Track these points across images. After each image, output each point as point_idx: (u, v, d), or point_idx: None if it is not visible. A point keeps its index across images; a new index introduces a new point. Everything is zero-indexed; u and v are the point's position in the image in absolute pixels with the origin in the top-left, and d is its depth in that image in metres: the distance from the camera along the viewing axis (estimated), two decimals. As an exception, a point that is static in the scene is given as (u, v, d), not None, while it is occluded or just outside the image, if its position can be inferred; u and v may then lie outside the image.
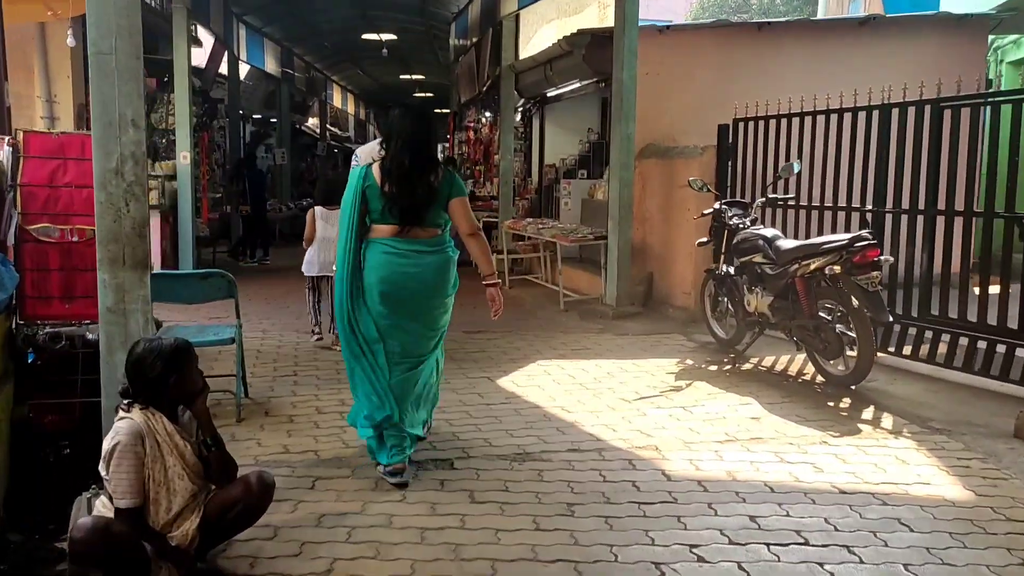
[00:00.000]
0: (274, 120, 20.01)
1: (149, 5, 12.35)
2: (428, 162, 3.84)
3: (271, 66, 17.94)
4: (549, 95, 11.22)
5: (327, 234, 6.70)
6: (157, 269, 10.44)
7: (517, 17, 11.37)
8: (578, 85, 9.98)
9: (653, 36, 8.85)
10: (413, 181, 3.76)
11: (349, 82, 27.02)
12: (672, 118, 9.03)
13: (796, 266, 5.84)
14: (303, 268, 7.27)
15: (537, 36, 10.56)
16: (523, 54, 11.03)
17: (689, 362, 6.61)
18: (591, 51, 8.76)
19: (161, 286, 4.63)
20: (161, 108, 11.11)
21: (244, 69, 17.17)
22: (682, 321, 8.09)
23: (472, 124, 14.61)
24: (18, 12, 9.74)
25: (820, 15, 15.06)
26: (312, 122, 24.67)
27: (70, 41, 7.62)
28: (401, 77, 26.73)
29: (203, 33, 13.20)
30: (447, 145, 17.35)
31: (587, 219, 10.48)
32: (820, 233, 6.86)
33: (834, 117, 6.79)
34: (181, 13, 10.64)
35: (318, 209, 7.09)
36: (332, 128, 27.43)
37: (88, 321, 4.75)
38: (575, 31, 8.86)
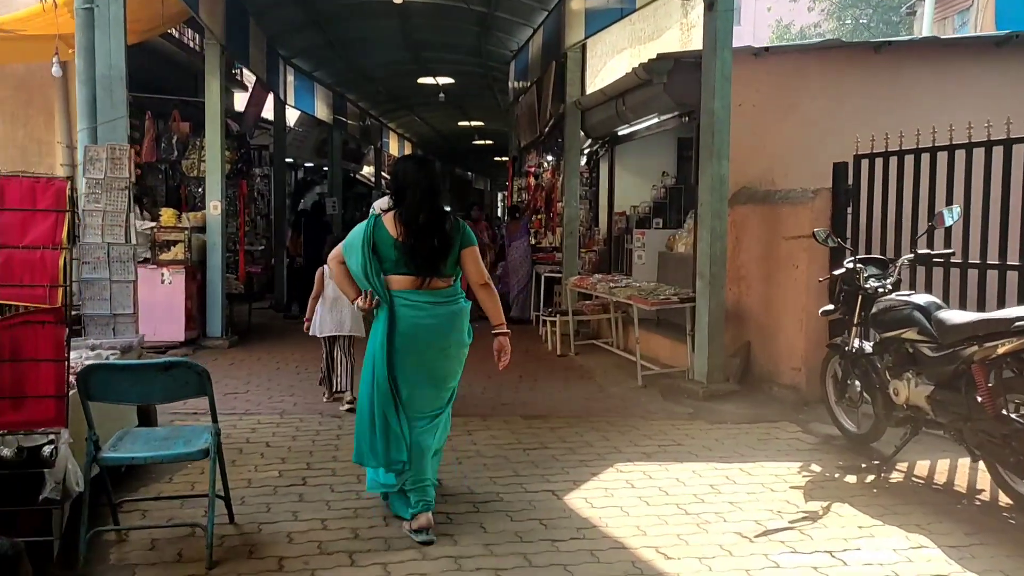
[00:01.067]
0: (326, 168, 19.15)
1: (187, 45, 11.53)
2: (441, 213, 3.87)
3: (322, 112, 17.10)
4: (620, 134, 9.88)
5: (338, 293, 6.14)
6: (179, 332, 9.37)
7: (583, 48, 10.13)
8: (655, 121, 8.62)
9: (747, 61, 7.46)
10: (431, 232, 3.79)
11: (406, 129, 26.27)
12: (771, 156, 7.58)
13: (973, 348, 4.29)
14: (314, 330, 6.48)
15: (606, 69, 9.32)
16: (590, 88, 9.76)
17: (816, 468, 5.06)
18: (674, 79, 7.42)
19: (97, 381, 3.35)
20: (194, 154, 10.15)
21: (293, 115, 16.36)
22: (791, 404, 6.53)
23: (533, 169, 13.38)
24: (35, 50, 8.94)
25: (923, 34, 13.48)
26: (367, 170, 23.88)
27: (55, 71, 6.59)
28: (459, 124, 25.89)
29: (245, 75, 12.33)
30: (506, 193, 16.12)
31: (665, 275, 9.03)
32: (984, 300, 5.29)
33: (998, 151, 5.26)
34: (214, 50, 9.70)
35: (327, 268, 5.99)
36: (388, 177, 26.68)
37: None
38: (654, 57, 7.53)
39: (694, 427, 6.04)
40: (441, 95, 18.94)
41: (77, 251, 5.25)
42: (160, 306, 9.25)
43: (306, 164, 19.19)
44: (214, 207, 9.74)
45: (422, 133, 27.73)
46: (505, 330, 4.12)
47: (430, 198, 3.82)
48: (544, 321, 9.85)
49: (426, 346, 3.86)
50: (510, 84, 14.35)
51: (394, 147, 25.61)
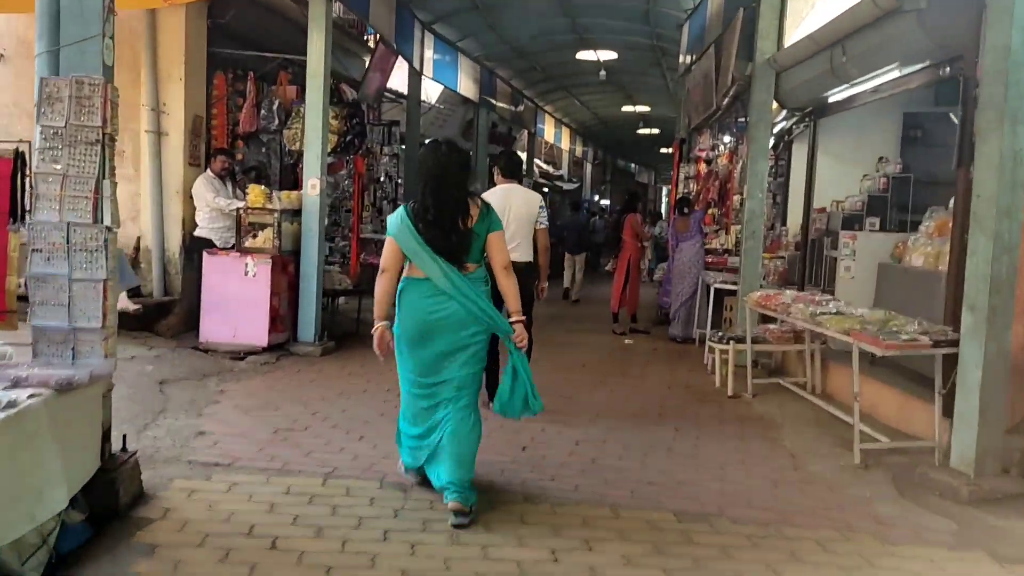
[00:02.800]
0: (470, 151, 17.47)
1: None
2: (458, 204, 3.81)
3: (467, 88, 15.38)
4: (830, 101, 7.33)
5: None
6: (262, 335, 7.82)
7: (784, -11, 7.64)
8: (890, 78, 6.05)
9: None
10: (445, 226, 3.77)
11: (564, 114, 24.25)
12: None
13: None
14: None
15: (815, 12, 6.83)
16: (791, 38, 7.28)
17: None
18: (936, 3, 4.90)
19: None
20: (297, 123, 8.58)
21: (435, 91, 14.72)
22: None
23: (704, 153, 10.95)
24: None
25: None
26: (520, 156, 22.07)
27: None
28: (623, 109, 23.60)
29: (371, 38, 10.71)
30: (671, 186, 13.75)
31: (889, 296, 6.46)
32: None
33: None
34: (320, -3, 8.03)
35: None
36: (543, 165, 24.76)
37: None
38: (901, -23, 5.04)
39: (966, 566, 3.60)
40: (602, 72, 16.76)
41: (25, 234, 3.57)
42: (242, 303, 7.72)
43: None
44: (312, 186, 8.10)
45: (582, 119, 25.64)
46: (521, 317, 3.96)
47: (443, 187, 3.76)
48: (711, 346, 7.51)
49: (444, 328, 3.84)
50: (681, 54, 12.00)
51: (550, 133, 23.67)
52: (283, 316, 7.98)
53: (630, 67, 17.61)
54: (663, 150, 35.28)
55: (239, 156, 9.14)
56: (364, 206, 10.73)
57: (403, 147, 12.80)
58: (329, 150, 8.66)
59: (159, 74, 8.22)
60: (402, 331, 3.90)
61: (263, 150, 9.38)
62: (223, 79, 8.74)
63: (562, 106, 23.05)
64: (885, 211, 7.98)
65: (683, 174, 11.58)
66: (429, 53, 12.98)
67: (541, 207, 5.90)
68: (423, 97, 13.97)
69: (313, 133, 8.09)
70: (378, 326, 3.92)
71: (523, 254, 5.76)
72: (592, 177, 31.04)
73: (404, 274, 3.92)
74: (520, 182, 6.19)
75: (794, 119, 8.36)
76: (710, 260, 10.44)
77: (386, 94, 11.81)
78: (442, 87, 14.68)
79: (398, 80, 12.77)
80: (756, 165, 7.71)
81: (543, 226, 5.93)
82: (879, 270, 6.77)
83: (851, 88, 6.81)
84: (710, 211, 10.38)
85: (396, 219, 3.90)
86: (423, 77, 12.83)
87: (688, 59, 11.52)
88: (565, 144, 26.09)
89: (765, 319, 7.21)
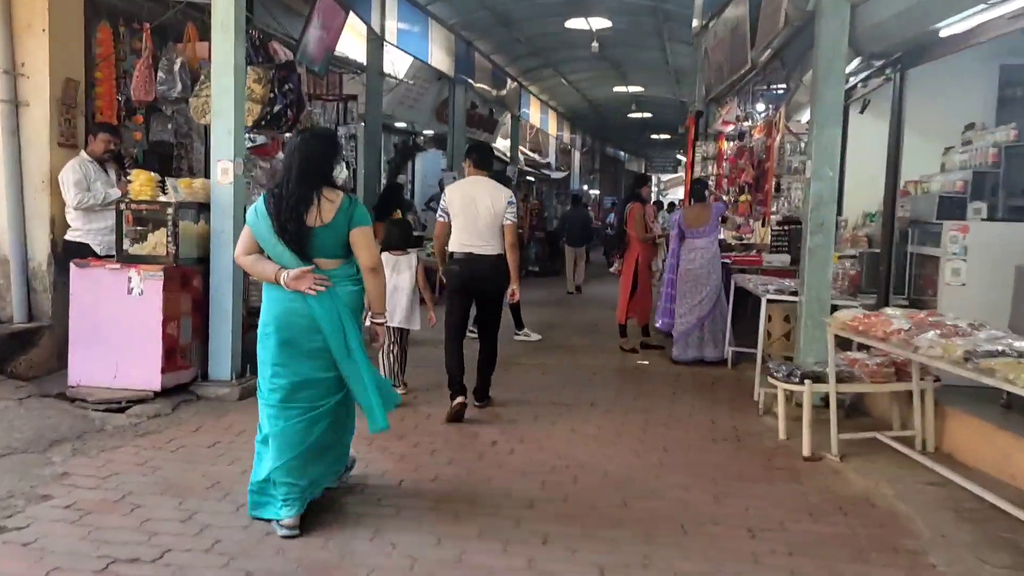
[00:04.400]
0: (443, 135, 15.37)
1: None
2: (315, 192, 3.60)
3: (440, 60, 13.28)
4: (933, 39, 5.29)
5: (395, 282, 6.02)
6: (153, 376, 5.70)
7: None
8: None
9: None
10: (299, 214, 3.58)
11: (550, 96, 22.15)
12: None
13: None
14: None
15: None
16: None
17: None
18: None
19: None
20: (207, 89, 6.44)
21: (403, 63, 12.60)
22: None
23: (731, 126, 8.89)
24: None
25: None
26: (502, 143, 19.94)
27: None
28: (614, 90, 21.56)
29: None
30: (683, 163, 11.62)
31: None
32: None
33: None
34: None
35: (384, 255, 5.88)
36: (529, 152, 22.66)
37: None
38: None
39: None
40: (594, 44, 14.72)
41: None
42: (125, 332, 5.65)
43: (423, 131, 15.43)
44: (223, 171, 6.00)
45: (570, 102, 23.56)
46: (381, 320, 3.83)
47: (304, 176, 3.60)
48: (773, 383, 5.47)
49: (300, 330, 3.62)
50: (696, 16, 9.98)
51: (535, 117, 21.56)
52: (185, 347, 5.88)
53: (625, 38, 15.58)
54: (654, 136, 33.44)
55: (137, 135, 7.02)
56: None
57: (363, 126, 10.68)
58: (250, 123, 6.56)
59: (14, 24, 6.09)
60: (263, 323, 3.75)
61: (169, 126, 7.24)
62: (109, 33, 6.60)
63: (549, 86, 20.96)
64: (992, 193, 5.99)
65: (699, 154, 9.55)
66: (393, 15, 10.88)
67: (510, 202, 5.59)
68: (388, 69, 11.85)
69: (223, 99, 5.98)
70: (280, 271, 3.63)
71: (491, 248, 5.54)
72: (581, 165, 28.97)
73: None
74: (490, 174, 5.85)
75: (866, 72, 6.30)
76: (735, 258, 8.43)
77: (337, 63, 9.68)
78: (411, 59, 12.56)
79: (355, 47, 10.66)
80: (824, 133, 5.65)
81: (510, 221, 5.56)
82: (1018, 275, 4.75)
83: (960, 21, 4.78)
84: (743, 198, 8.33)
85: (253, 207, 3.72)
86: (385, 44, 10.71)
87: (702, 21, 9.52)
88: (552, 129, 24.00)
89: (843, 342, 5.19)
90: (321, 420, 3.69)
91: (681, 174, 43.31)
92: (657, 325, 8.05)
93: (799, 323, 5.86)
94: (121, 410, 5.46)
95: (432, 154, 16.88)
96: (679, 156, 37.95)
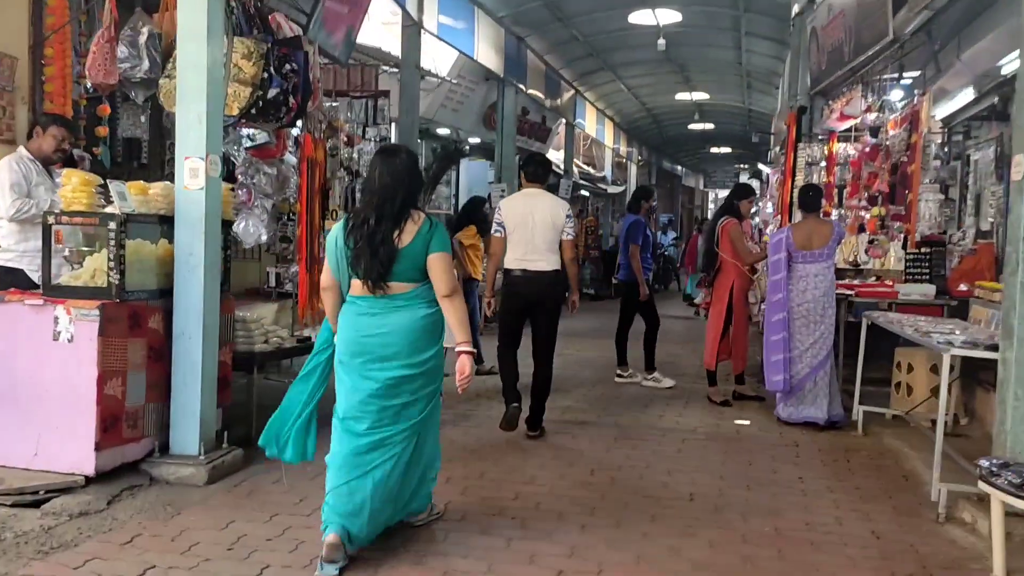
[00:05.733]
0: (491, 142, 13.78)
1: None
2: (395, 215, 3.46)
3: (488, 58, 11.73)
4: None
5: None
6: (85, 454, 4.05)
7: None
8: None
9: None
10: (374, 239, 3.44)
11: (607, 103, 20.47)
12: None
13: None
14: None
15: None
16: None
17: None
18: None
19: None
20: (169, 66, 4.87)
21: (447, 59, 11.06)
22: None
23: (848, 121, 7.05)
24: None
25: None
26: (555, 155, 18.30)
27: None
28: (676, 97, 19.83)
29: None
30: (768, 173, 9.82)
31: None
32: None
33: None
34: None
35: None
36: (583, 165, 20.97)
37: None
38: None
39: None
40: (660, 41, 13.04)
41: None
42: (49, 391, 4.11)
43: (469, 138, 13.87)
44: (192, 173, 4.45)
45: (627, 110, 21.85)
46: (470, 349, 3.55)
47: (386, 196, 3.46)
48: (922, 457, 3.67)
49: (375, 355, 3.46)
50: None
51: (591, 126, 19.89)
52: (135, 412, 4.32)
53: (695, 35, 13.90)
54: (714, 149, 31.52)
55: (102, 130, 5.53)
56: (327, 212, 7.08)
57: (394, 126, 9.13)
58: (236, 112, 5.01)
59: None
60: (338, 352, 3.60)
61: (143, 119, 5.74)
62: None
63: (606, 92, 19.28)
64: None
65: (803, 159, 7.76)
66: (433, 1, 9.35)
67: (568, 216, 5.47)
68: (428, 65, 10.33)
69: (191, 76, 4.43)
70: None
71: (548, 263, 5.40)
72: (637, 180, 27.17)
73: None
74: (545, 187, 5.67)
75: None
76: (862, 289, 6.65)
77: (367, 53, 8.15)
78: (456, 54, 11.02)
79: (389, 37, 9.15)
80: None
81: (569, 237, 5.46)
82: None
83: None
84: (875, 211, 6.49)
85: (333, 231, 3.63)
86: (424, 33, 9.17)
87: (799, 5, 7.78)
88: (608, 141, 22.29)
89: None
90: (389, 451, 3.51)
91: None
92: (769, 388, 6.27)
93: (1001, 390, 4.04)
94: (37, 504, 3.91)
95: (479, 165, 15.35)
96: (740, 167, 36.01)
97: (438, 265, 3.48)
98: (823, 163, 7.66)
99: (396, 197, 3.46)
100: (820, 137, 7.74)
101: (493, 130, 13.46)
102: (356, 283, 3.52)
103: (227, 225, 4.96)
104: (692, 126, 24.15)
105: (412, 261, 3.45)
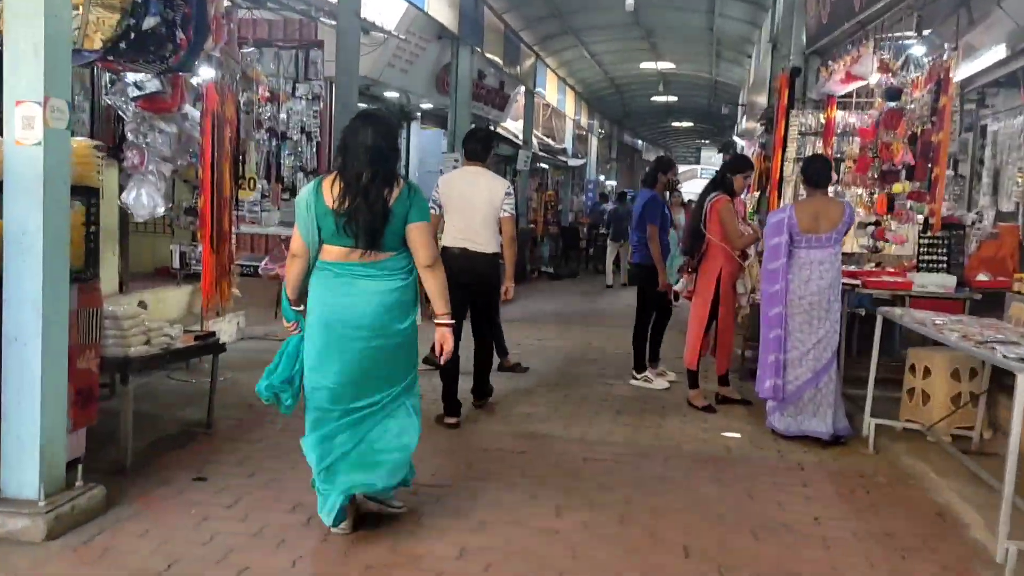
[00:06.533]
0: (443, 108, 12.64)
1: None
2: (385, 176, 3.35)
3: (439, 11, 10.57)
4: None
5: None
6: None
7: None
8: None
9: None
10: (369, 197, 3.30)
11: (568, 71, 19.40)
12: None
13: None
14: None
15: None
16: None
17: None
18: None
19: None
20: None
21: (392, 9, 9.85)
22: None
23: (854, 83, 6.03)
24: None
25: None
26: (513, 125, 17.20)
27: None
28: (641, 66, 18.86)
29: None
30: (742, 145, 8.81)
31: None
32: None
33: None
34: None
35: None
36: (542, 137, 19.88)
37: None
38: None
39: None
40: (630, 1, 12.00)
41: None
42: None
43: (420, 103, 12.69)
44: (25, 122, 3.28)
45: (589, 80, 20.81)
46: (448, 321, 3.52)
47: (374, 159, 3.32)
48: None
49: (354, 325, 3.32)
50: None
51: (552, 95, 18.80)
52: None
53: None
54: (676, 124, 30.64)
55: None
56: (240, 178, 5.93)
57: (329, 85, 7.92)
58: (98, 44, 3.83)
59: None
60: (309, 323, 3.45)
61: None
62: None
63: (568, 60, 18.21)
64: None
65: (795, 127, 6.75)
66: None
67: (508, 193, 5.26)
68: (373, 18, 9.14)
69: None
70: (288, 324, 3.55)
71: (487, 244, 5.22)
72: (598, 153, 26.20)
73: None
74: (487, 164, 5.40)
75: None
76: (871, 280, 5.76)
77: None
78: (405, 6, 9.84)
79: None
80: None
81: (508, 214, 5.25)
82: None
83: None
84: (899, 187, 5.50)
85: (304, 193, 3.44)
86: (364, -25, 7.97)
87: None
88: (570, 111, 21.24)
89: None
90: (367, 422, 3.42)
91: (697, 166, 40.30)
92: (761, 394, 5.33)
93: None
94: None
95: (432, 133, 14.18)
96: (701, 143, 35.17)
97: (420, 234, 3.39)
98: (819, 133, 6.70)
99: (388, 158, 3.36)
100: (815, 102, 6.79)
101: (446, 94, 12.31)
102: (333, 249, 3.36)
103: (91, 192, 3.82)
104: (655, 98, 23.30)
105: (394, 227, 3.34)
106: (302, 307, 3.51)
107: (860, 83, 6.10)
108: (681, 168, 36.89)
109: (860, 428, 5.17)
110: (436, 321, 3.50)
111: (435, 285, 3.46)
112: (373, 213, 3.27)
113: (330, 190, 3.34)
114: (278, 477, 4.10)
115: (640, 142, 35.22)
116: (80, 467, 3.60)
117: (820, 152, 6.28)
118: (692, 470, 4.58)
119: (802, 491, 4.28)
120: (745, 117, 16.25)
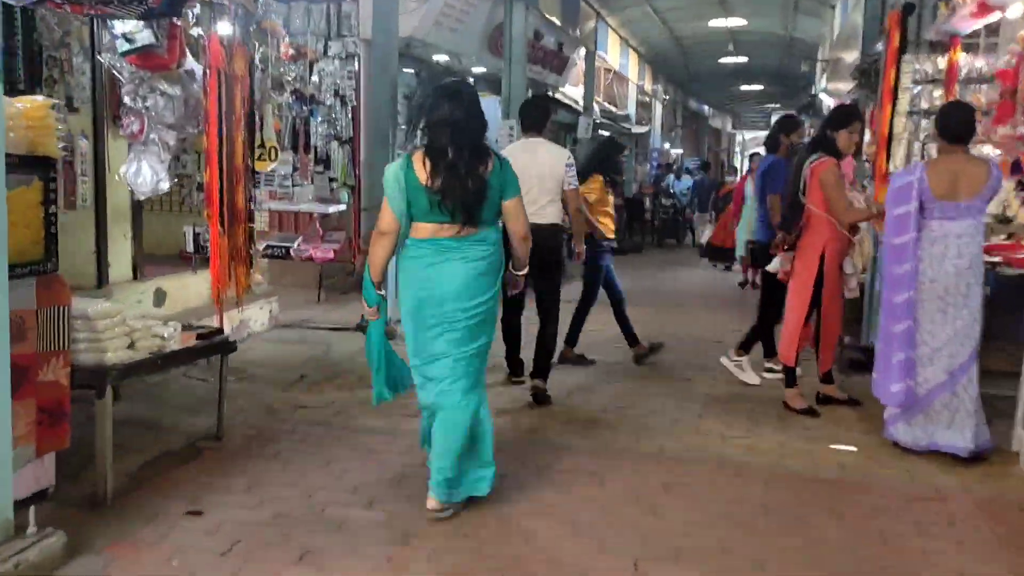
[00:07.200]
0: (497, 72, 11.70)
1: None
2: (476, 151, 3.36)
3: (491, -37, 9.63)
4: None
5: None
6: None
7: None
8: None
9: None
10: (464, 174, 3.30)
11: (631, 32, 18.21)
12: None
13: None
14: None
15: None
16: None
17: None
18: None
19: None
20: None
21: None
22: None
23: (990, 14, 4.94)
24: None
25: None
26: (573, 90, 16.15)
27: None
28: (710, 24, 17.51)
29: None
30: (830, 104, 7.64)
31: None
32: None
33: None
34: None
35: None
36: (604, 103, 18.77)
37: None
38: None
39: None
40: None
41: None
42: None
43: (471, 67, 11.79)
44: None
45: (653, 40, 19.56)
46: (525, 271, 3.75)
47: (462, 134, 3.29)
48: None
49: (450, 295, 3.32)
50: None
51: (614, 58, 17.67)
52: None
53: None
54: (744, 87, 29.05)
55: None
56: (259, 147, 5.16)
57: (360, 46, 7.06)
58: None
59: None
60: (403, 303, 3.47)
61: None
62: None
63: (631, 19, 17.03)
64: None
65: (909, 74, 5.66)
66: None
67: (569, 164, 5.10)
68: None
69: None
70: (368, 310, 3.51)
71: (549, 216, 5.06)
72: (663, 120, 24.92)
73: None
74: (545, 134, 5.24)
75: None
76: (1008, 254, 4.71)
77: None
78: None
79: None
80: None
81: (571, 187, 5.10)
82: None
83: None
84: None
85: (393, 169, 3.38)
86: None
87: None
88: (633, 75, 20.05)
89: None
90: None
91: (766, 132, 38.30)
92: (884, 400, 4.35)
93: None
94: None
95: (487, 102, 13.30)
96: (772, 107, 33.28)
97: (516, 208, 3.49)
98: (941, 81, 5.59)
99: (476, 130, 3.35)
100: (936, 45, 5.69)
101: (500, 56, 11.38)
102: (427, 226, 3.33)
103: (49, 164, 3.08)
104: (723, 59, 21.85)
105: (491, 201, 3.38)
106: (383, 291, 3.47)
107: (994, 17, 4.99)
108: (748, 134, 35.25)
109: (1002, 439, 4.18)
110: (514, 272, 3.71)
111: (525, 250, 3.64)
112: (470, 190, 3.28)
113: (422, 165, 3.28)
114: (286, 511, 3.34)
115: (707, 107, 33.61)
116: (33, 508, 2.89)
117: (954, 101, 5.18)
118: (801, 498, 3.66)
119: (950, 533, 3.33)
120: (826, 75, 14.88)
